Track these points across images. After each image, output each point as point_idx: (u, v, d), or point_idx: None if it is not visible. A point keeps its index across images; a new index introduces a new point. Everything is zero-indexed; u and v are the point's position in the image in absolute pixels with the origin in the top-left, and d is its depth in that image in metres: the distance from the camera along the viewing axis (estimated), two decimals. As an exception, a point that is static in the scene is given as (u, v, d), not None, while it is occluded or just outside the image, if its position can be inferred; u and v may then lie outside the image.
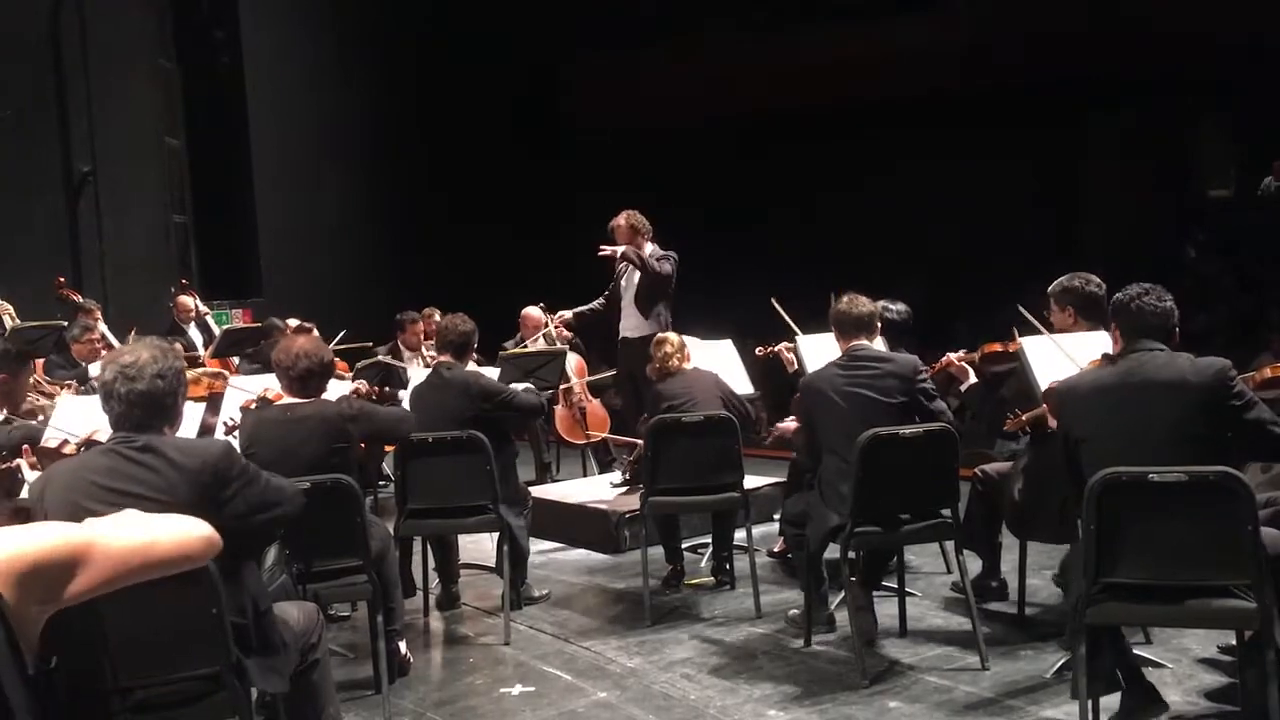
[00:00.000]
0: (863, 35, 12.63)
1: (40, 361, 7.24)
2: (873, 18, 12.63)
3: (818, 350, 5.43)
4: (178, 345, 6.52)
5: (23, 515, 3.46)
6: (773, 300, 6.01)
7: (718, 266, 10.63)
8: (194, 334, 9.19)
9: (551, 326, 8.21)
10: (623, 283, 7.18)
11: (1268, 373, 4.11)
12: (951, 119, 11.88)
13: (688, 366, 5.76)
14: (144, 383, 2.99)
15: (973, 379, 4.96)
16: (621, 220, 7.09)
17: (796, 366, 5.55)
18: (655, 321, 7.06)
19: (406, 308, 8.62)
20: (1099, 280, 4.68)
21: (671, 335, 5.93)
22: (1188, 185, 12.54)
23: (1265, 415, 3.44)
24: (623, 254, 6.99)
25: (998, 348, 4.86)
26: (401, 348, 8.41)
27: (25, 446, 4.00)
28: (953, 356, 5.01)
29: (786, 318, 5.93)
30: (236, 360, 7.84)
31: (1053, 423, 4.10)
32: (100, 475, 2.96)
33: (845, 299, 4.76)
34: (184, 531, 1.74)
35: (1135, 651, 4.32)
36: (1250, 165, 11.77)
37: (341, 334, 7.68)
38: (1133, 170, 12.32)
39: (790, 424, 5.52)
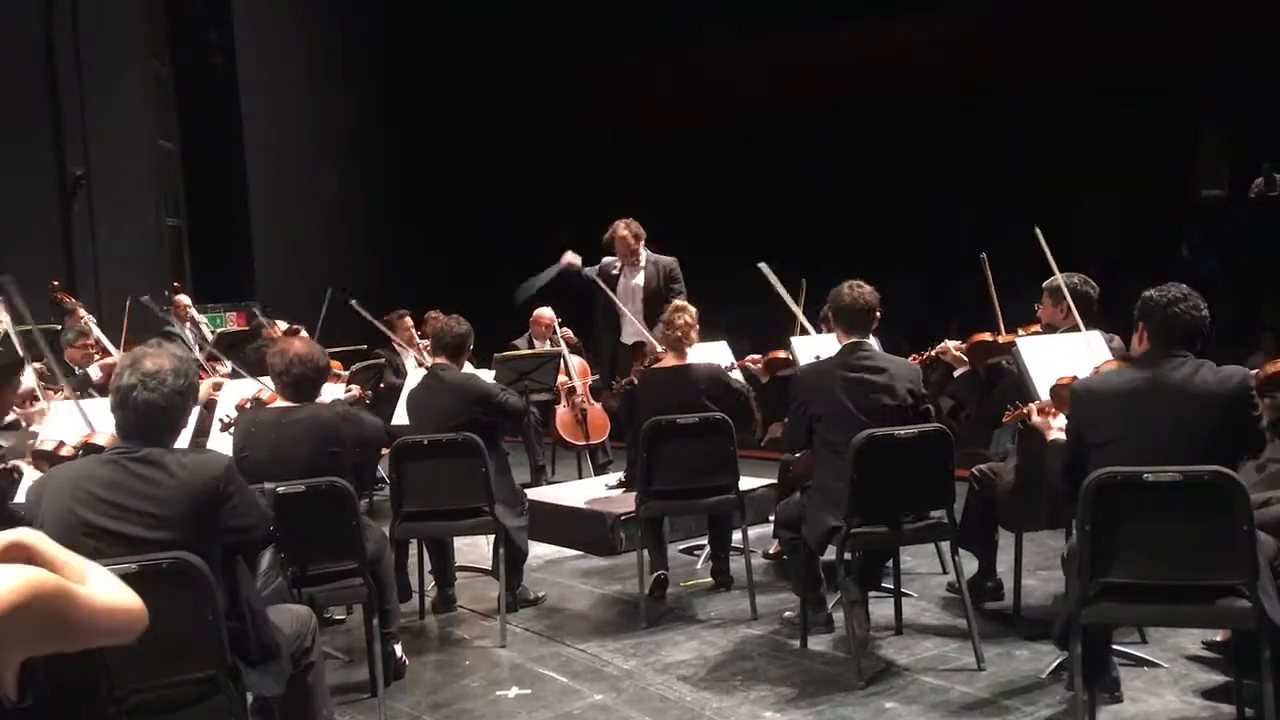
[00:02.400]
0: (861, 37, 12.66)
1: (36, 366, 7.23)
2: (871, 19, 12.67)
3: (811, 350, 5.43)
4: (185, 353, 6.51)
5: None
6: (761, 266, 5.88)
7: (715, 267, 10.64)
8: (187, 335, 9.19)
9: (558, 332, 8.23)
10: (619, 288, 7.10)
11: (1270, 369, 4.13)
12: (949, 119, 11.91)
13: (691, 352, 5.62)
14: (161, 397, 2.98)
15: (967, 366, 4.97)
16: (624, 231, 6.92)
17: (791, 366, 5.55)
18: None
19: (400, 309, 8.62)
20: (1093, 281, 4.76)
21: (690, 307, 5.64)
22: (1182, 185, 12.57)
23: (1265, 423, 3.56)
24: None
25: (987, 337, 4.87)
26: (396, 346, 8.41)
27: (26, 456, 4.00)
28: (949, 344, 5.01)
29: (779, 288, 5.88)
30: (229, 363, 7.82)
31: (1047, 428, 4.11)
32: (100, 486, 2.94)
33: (848, 287, 4.64)
34: (125, 598, 1.63)
35: (1132, 651, 4.35)
36: (1244, 165, 11.80)
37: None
38: (1128, 170, 12.35)
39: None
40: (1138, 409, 3.47)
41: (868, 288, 4.65)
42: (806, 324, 5.94)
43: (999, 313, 5.21)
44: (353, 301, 6.85)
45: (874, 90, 12.21)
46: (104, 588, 1.54)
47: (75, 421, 4.19)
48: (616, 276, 7.07)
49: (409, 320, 8.41)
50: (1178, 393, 3.44)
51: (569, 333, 8.35)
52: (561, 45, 13.85)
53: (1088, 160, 12.74)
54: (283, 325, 8.41)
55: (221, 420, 4.75)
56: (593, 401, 8.08)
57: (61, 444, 4.08)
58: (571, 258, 7.24)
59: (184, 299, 9.42)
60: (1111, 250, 10.84)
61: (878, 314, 4.69)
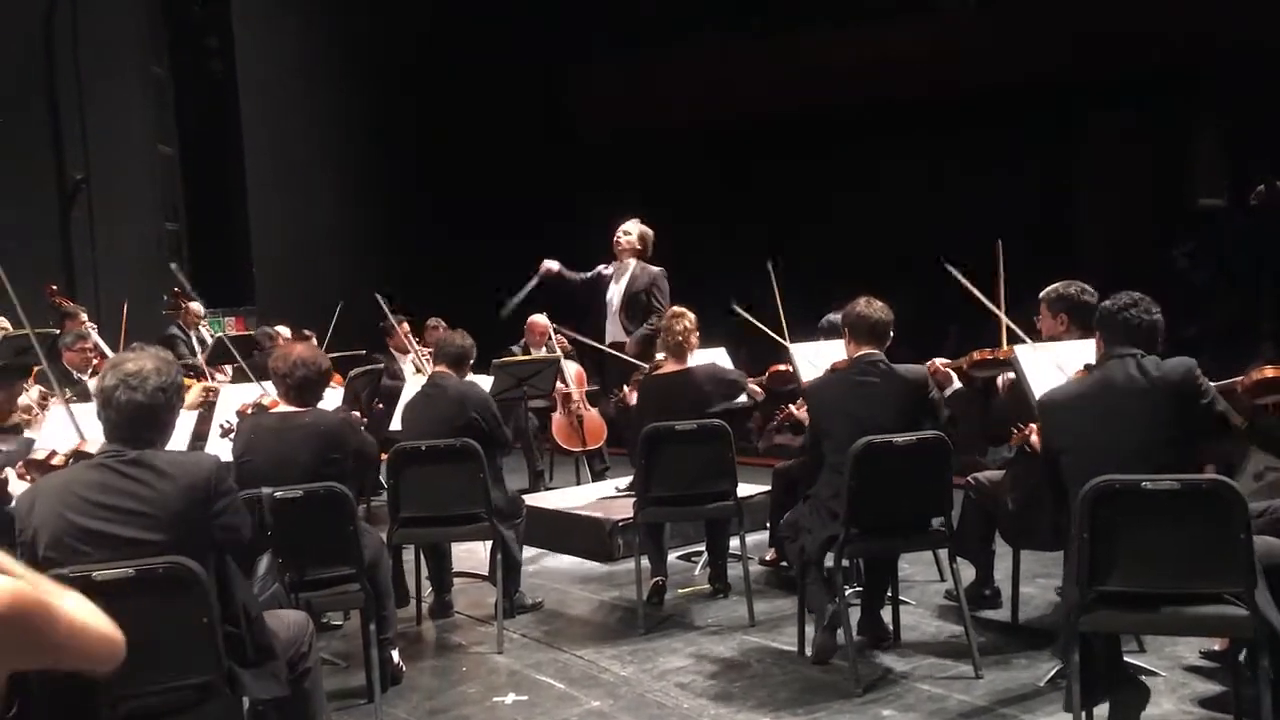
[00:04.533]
0: (861, 39, 12.67)
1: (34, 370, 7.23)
2: (870, 22, 12.69)
3: (810, 358, 5.42)
4: (167, 353, 6.51)
5: None
6: (736, 308, 5.90)
7: (714, 270, 10.64)
8: (193, 342, 9.20)
9: (553, 337, 8.23)
10: (610, 288, 7.16)
11: (1269, 373, 4.13)
12: (946, 124, 11.91)
13: (689, 361, 5.63)
14: (144, 395, 2.97)
15: (956, 384, 4.95)
16: (634, 235, 7.04)
17: (795, 379, 5.54)
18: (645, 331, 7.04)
19: (397, 314, 8.62)
20: (1092, 289, 4.72)
21: (688, 312, 5.66)
22: (1180, 193, 12.58)
23: (1223, 407, 3.63)
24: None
25: (987, 355, 4.85)
26: (394, 351, 8.41)
27: (19, 465, 4.00)
28: (937, 362, 4.99)
29: (762, 325, 5.89)
30: (229, 369, 7.82)
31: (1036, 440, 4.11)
32: (91, 490, 2.94)
33: (863, 301, 4.63)
34: (106, 624, 1.56)
35: (1130, 660, 4.34)
36: (1243, 174, 11.81)
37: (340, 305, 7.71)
38: (1126, 178, 12.36)
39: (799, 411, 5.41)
40: (1087, 412, 3.57)
41: (880, 304, 4.62)
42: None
43: (1004, 296, 5.04)
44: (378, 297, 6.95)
45: (873, 93, 12.22)
46: (82, 610, 1.52)
47: (69, 429, 4.18)
48: (609, 280, 7.14)
49: (406, 325, 8.42)
50: (1121, 392, 3.52)
51: (564, 339, 8.34)
52: (562, 47, 13.86)
53: (1085, 168, 12.75)
54: (286, 332, 8.42)
55: (222, 426, 4.75)
56: (589, 407, 8.09)
57: (53, 453, 4.08)
58: (549, 265, 7.33)
59: (197, 307, 9.44)
60: (1109, 259, 10.85)
61: (891, 332, 4.65)
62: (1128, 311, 3.60)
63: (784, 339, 5.79)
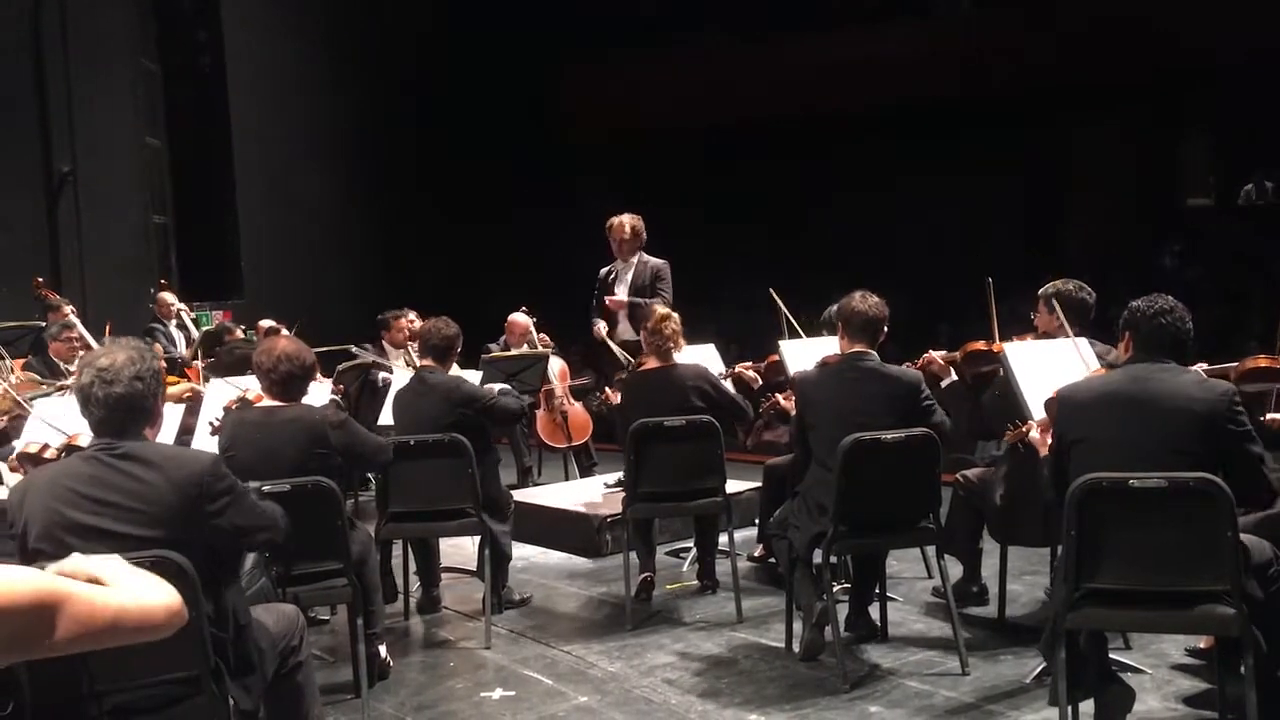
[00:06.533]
0: (855, 42, 12.71)
1: (19, 362, 7.19)
2: (865, 24, 12.73)
3: (800, 355, 5.42)
4: (156, 345, 6.49)
5: None
6: (771, 292, 5.92)
7: (706, 270, 10.66)
8: (174, 332, 9.16)
9: (534, 333, 8.21)
10: (616, 289, 7.16)
11: (1262, 361, 4.15)
12: (939, 125, 11.94)
13: (677, 357, 5.64)
14: (122, 386, 2.96)
15: (953, 377, 4.95)
16: (627, 229, 7.02)
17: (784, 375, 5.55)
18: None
19: (389, 308, 8.61)
20: (1089, 288, 4.74)
21: (674, 314, 5.66)
22: (1169, 194, 12.63)
23: (1260, 452, 3.42)
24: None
25: (981, 346, 4.85)
26: (386, 346, 8.39)
27: (11, 458, 3.98)
28: (935, 355, 5.00)
29: (786, 312, 5.90)
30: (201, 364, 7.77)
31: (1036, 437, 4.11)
32: (82, 483, 2.92)
33: (858, 296, 4.60)
34: (153, 597, 1.56)
35: (1115, 657, 4.35)
36: (1231, 173, 11.86)
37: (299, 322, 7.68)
38: (1116, 178, 12.41)
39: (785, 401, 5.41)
40: (1112, 410, 3.49)
41: (875, 298, 4.60)
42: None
43: (997, 334, 5.03)
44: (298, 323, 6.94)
45: (867, 95, 12.25)
46: (133, 588, 1.52)
47: (61, 421, 4.16)
48: (613, 281, 7.13)
49: (404, 322, 8.38)
50: (1152, 398, 3.44)
51: (546, 337, 8.32)
52: (557, 47, 13.85)
53: (1077, 168, 12.79)
54: (266, 323, 8.38)
55: (211, 424, 4.73)
56: (573, 403, 8.08)
57: (46, 446, 4.07)
58: (600, 329, 7.24)
59: (167, 297, 9.40)
60: (1098, 258, 10.88)
61: (885, 328, 4.64)
62: (1164, 319, 3.50)
63: (800, 332, 5.79)
